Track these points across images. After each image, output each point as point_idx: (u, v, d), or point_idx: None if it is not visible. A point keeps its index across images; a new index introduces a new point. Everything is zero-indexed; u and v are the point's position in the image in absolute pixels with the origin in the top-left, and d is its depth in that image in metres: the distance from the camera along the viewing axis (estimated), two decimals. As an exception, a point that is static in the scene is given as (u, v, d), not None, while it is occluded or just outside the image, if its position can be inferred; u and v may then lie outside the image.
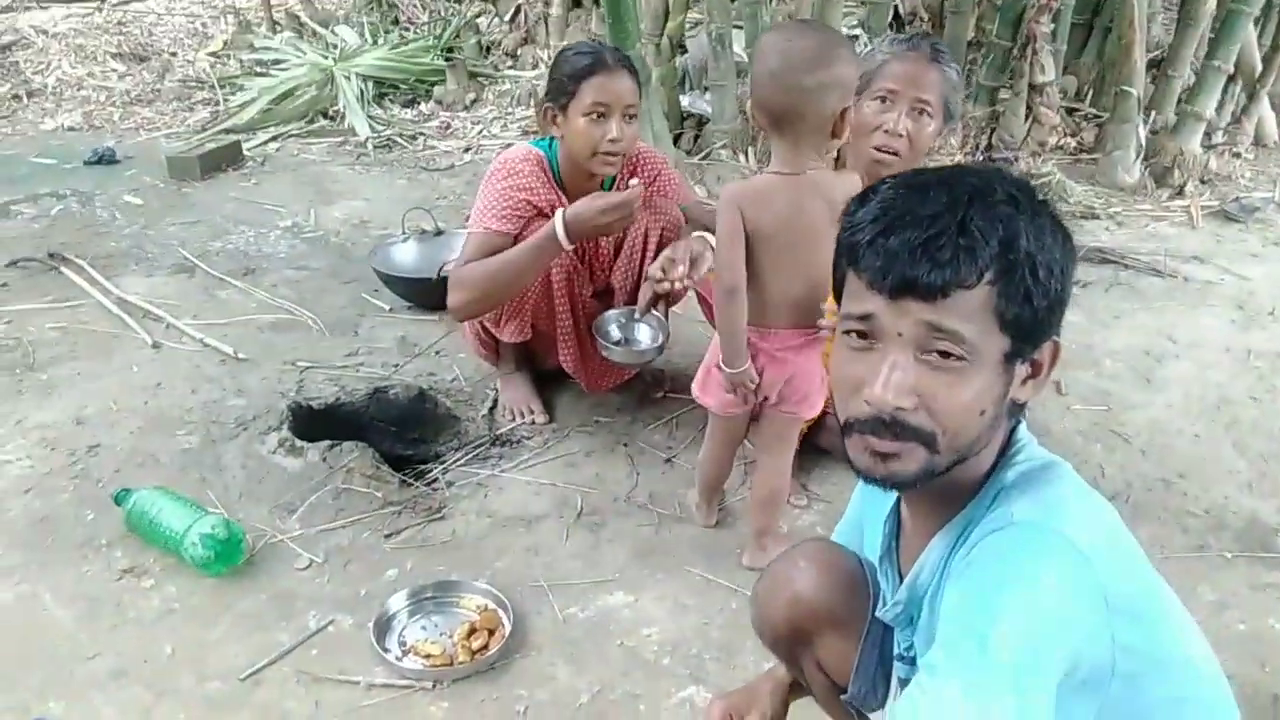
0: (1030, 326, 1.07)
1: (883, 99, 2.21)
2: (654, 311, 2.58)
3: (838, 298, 1.16)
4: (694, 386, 2.24)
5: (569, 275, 2.61)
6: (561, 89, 2.45)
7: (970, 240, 1.03)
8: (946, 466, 1.11)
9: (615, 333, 2.62)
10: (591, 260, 2.71)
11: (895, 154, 2.21)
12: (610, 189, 2.65)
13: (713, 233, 2.20)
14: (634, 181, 2.42)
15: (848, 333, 1.12)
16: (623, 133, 2.44)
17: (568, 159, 2.55)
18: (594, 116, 2.42)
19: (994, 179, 1.10)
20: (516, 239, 2.49)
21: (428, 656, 1.98)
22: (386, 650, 1.99)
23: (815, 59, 1.87)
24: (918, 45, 2.24)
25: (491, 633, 2.03)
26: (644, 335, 2.62)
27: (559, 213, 2.38)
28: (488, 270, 2.46)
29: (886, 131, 2.20)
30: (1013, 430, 1.19)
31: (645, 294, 2.58)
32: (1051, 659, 1.02)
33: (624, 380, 2.86)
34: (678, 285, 2.31)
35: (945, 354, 1.06)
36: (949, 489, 1.16)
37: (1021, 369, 1.11)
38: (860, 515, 1.49)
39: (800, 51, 1.88)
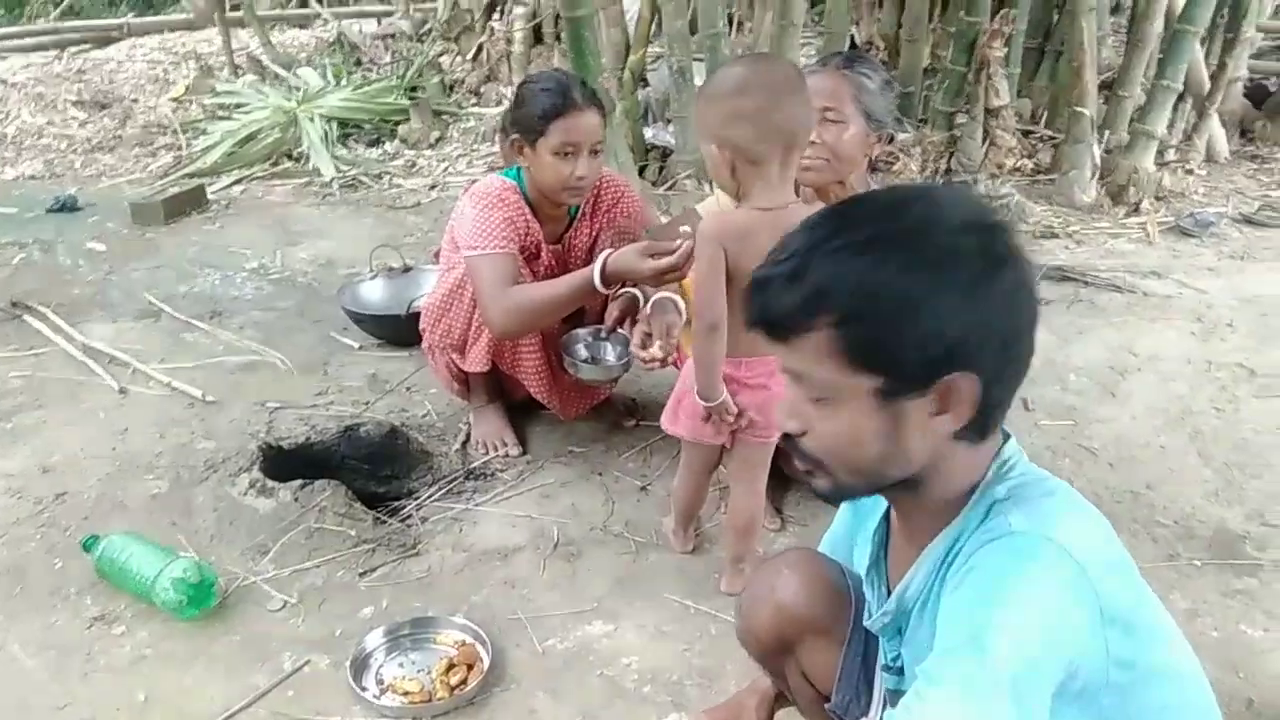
0: (895, 365, 1.07)
1: None
2: (620, 330, 2.61)
3: None
4: (663, 419, 2.25)
5: None
6: (530, 127, 2.48)
7: (801, 287, 1.07)
8: (863, 488, 1.17)
9: (583, 351, 2.65)
10: None
11: (818, 160, 2.31)
12: (576, 216, 2.69)
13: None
14: (684, 229, 2.36)
15: None
16: (589, 168, 2.49)
17: (534, 188, 2.58)
18: (563, 154, 2.45)
19: (861, 218, 1.10)
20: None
21: (406, 694, 1.95)
22: (364, 689, 1.96)
23: (795, 86, 1.89)
24: (828, 61, 2.37)
25: (470, 667, 2.01)
26: (611, 353, 2.65)
27: (600, 258, 2.36)
28: (535, 299, 2.47)
29: None
30: (1004, 444, 1.20)
31: (612, 312, 2.61)
32: (1048, 669, 1.03)
33: (597, 403, 2.86)
34: (660, 359, 2.31)
35: (809, 388, 1.12)
36: (932, 503, 1.18)
37: (920, 404, 1.09)
38: (849, 526, 1.51)
39: (781, 83, 1.87)
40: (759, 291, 1.11)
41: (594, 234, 2.73)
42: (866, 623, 1.36)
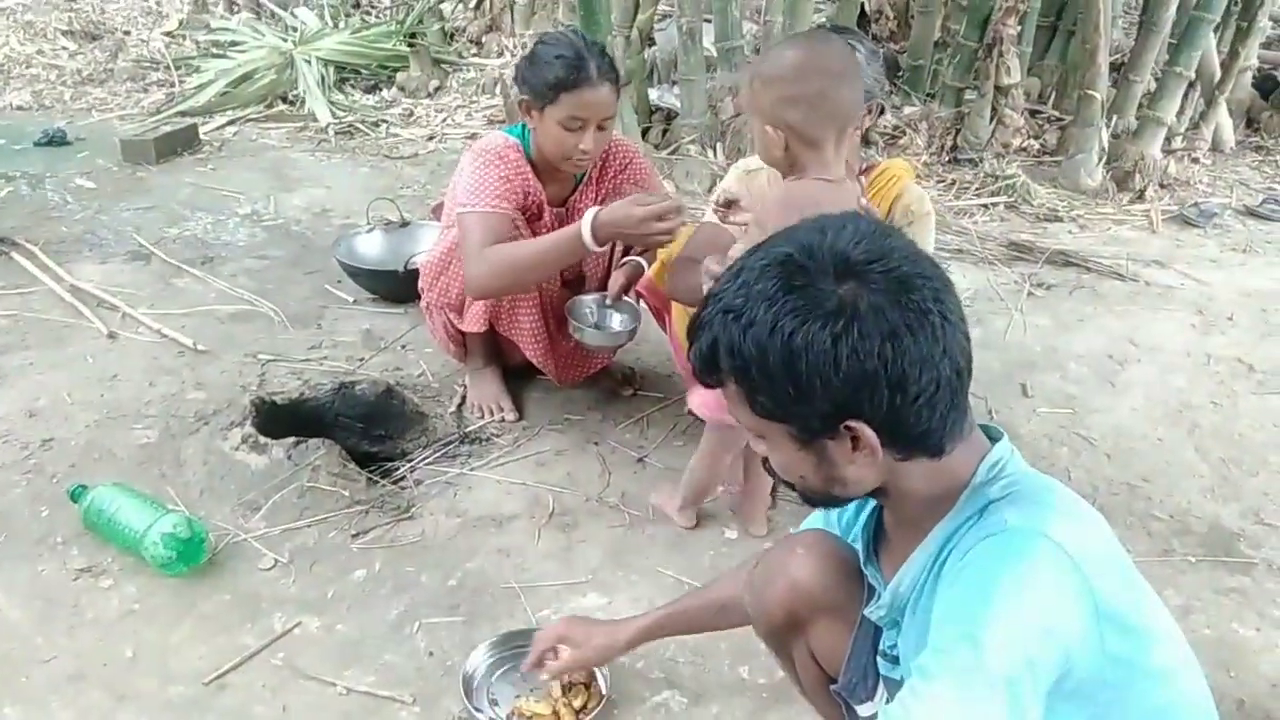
0: (787, 415, 1.13)
1: None
2: (626, 298, 2.58)
3: None
4: (692, 399, 2.22)
5: None
6: (541, 93, 2.41)
7: (702, 345, 1.16)
8: (829, 501, 1.26)
9: (588, 316, 2.61)
10: None
11: None
12: (582, 180, 2.63)
13: None
14: (670, 191, 2.34)
15: None
16: (594, 142, 2.43)
17: (539, 150, 2.53)
18: (570, 127, 2.40)
19: (746, 276, 1.13)
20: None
21: (532, 717, 1.81)
22: (479, 710, 1.82)
23: (850, 69, 1.90)
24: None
25: (587, 687, 1.85)
26: (616, 320, 2.62)
27: (589, 214, 2.29)
28: (516, 257, 2.40)
29: None
30: (996, 444, 1.21)
31: (617, 280, 2.60)
32: (1043, 666, 1.03)
33: (594, 372, 2.83)
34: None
35: None
36: (915, 506, 1.21)
37: (839, 443, 1.14)
38: (826, 520, 1.54)
39: (837, 67, 1.87)
40: (693, 350, 1.19)
41: (600, 199, 2.67)
42: (867, 610, 1.37)
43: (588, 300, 2.64)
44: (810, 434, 1.14)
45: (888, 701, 1.15)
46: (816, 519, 1.56)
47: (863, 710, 1.45)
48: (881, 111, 2.44)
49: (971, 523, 1.16)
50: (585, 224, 2.27)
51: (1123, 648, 1.10)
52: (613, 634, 1.76)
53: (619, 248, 2.65)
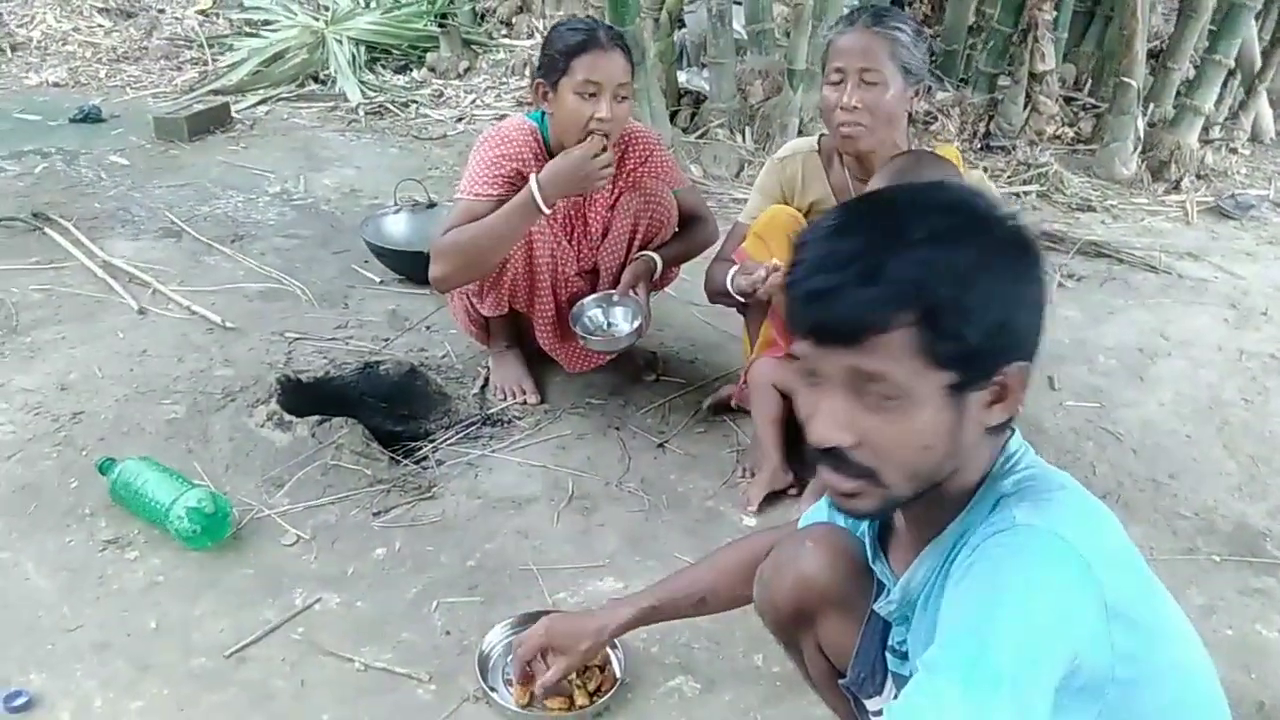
0: (970, 359, 1.06)
1: (835, 80, 2.25)
2: (633, 294, 2.57)
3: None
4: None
5: (553, 254, 2.58)
6: (553, 65, 2.41)
7: (876, 286, 1.03)
8: (912, 494, 1.13)
9: (594, 318, 2.62)
10: (579, 240, 2.68)
11: (859, 126, 2.23)
12: None
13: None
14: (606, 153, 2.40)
15: (797, 368, 1.15)
16: (612, 112, 2.40)
17: (557, 135, 2.51)
18: (585, 95, 2.38)
19: (921, 211, 1.09)
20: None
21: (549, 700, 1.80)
22: (493, 689, 1.83)
23: None
24: (856, 19, 2.27)
25: (601, 670, 1.86)
26: (621, 319, 2.62)
27: (533, 177, 2.35)
28: (466, 237, 2.43)
29: (842, 108, 2.23)
30: (1009, 438, 1.20)
31: (627, 277, 2.59)
32: (1050, 663, 1.02)
33: (606, 361, 2.81)
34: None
35: (876, 393, 1.07)
36: (938, 500, 1.18)
37: (981, 396, 1.10)
38: (833, 506, 1.50)
39: None
40: (816, 299, 1.07)
41: (618, 191, 2.65)
42: (876, 605, 1.36)
43: (590, 302, 2.64)
44: (971, 380, 1.07)
45: (895, 697, 1.15)
46: (816, 513, 1.55)
47: (871, 705, 1.44)
48: (929, 91, 2.41)
49: (984, 518, 1.15)
50: (531, 185, 2.34)
51: (1132, 645, 1.09)
52: (598, 631, 1.72)
53: (637, 242, 2.65)
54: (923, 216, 1.07)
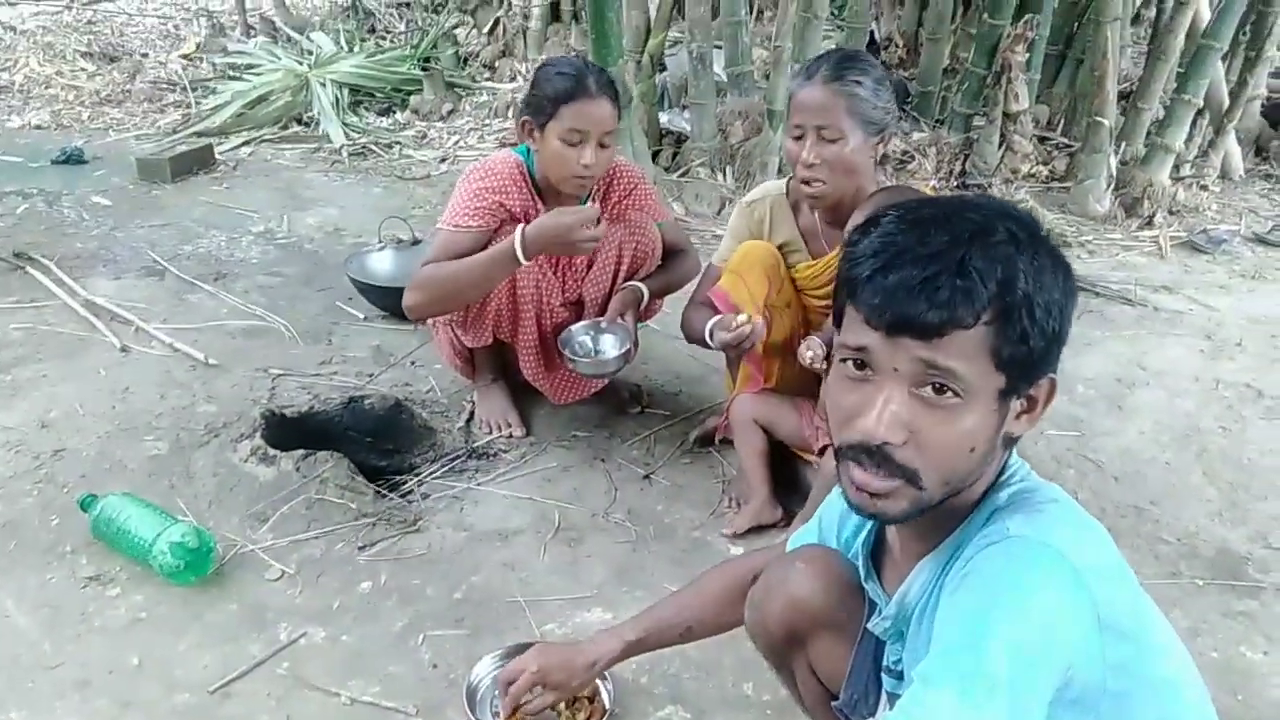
0: (1026, 365, 1.08)
1: (795, 135, 2.24)
2: (621, 321, 2.58)
3: (837, 325, 1.17)
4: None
5: (538, 285, 2.60)
6: (541, 108, 2.43)
7: (969, 281, 1.04)
8: (939, 500, 1.13)
9: (583, 344, 2.63)
10: (564, 271, 2.70)
11: (819, 181, 2.23)
12: (585, 201, 2.65)
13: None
14: (593, 207, 2.41)
15: (845, 360, 1.13)
16: (596, 159, 2.44)
17: (544, 171, 2.54)
18: (570, 141, 2.41)
19: (996, 216, 1.10)
20: (488, 241, 2.48)
21: None
22: None
23: None
24: (815, 71, 2.23)
25: (591, 700, 1.85)
26: (609, 345, 2.63)
27: (519, 228, 2.37)
28: (445, 274, 2.46)
29: (803, 164, 2.23)
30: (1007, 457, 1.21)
31: (615, 305, 2.61)
32: (1045, 674, 1.03)
33: (591, 393, 2.83)
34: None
35: (939, 390, 1.07)
36: (940, 515, 1.18)
37: (1016, 404, 1.12)
38: (824, 528, 1.52)
39: None
40: (903, 291, 1.05)
41: (603, 224, 2.67)
42: (870, 624, 1.36)
43: (578, 329, 2.64)
44: (1017, 387, 1.09)
45: (890, 711, 1.15)
46: (805, 534, 1.55)
47: (864, 727, 1.44)
48: (895, 136, 2.44)
49: (978, 529, 1.16)
50: (516, 238, 2.35)
51: (1124, 657, 1.10)
52: (590, 667, 1.69)
53: (620, 279, 2.67)
54: (999, 219, 1.09)
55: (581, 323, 2.66)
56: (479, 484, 2.53)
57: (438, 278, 2.46)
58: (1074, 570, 1.07)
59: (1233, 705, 1.93)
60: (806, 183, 2.25)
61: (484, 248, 2.45)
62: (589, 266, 2.69)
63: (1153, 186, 4.50)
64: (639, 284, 2.66)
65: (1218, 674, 1.98)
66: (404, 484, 2.52)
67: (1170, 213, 4.50)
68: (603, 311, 2.67)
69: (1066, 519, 1.16)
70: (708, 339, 2.33)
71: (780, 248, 2.44)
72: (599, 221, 2.36)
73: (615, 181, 2.67)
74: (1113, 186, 4.56)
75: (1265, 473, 2.70)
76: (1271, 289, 3.92)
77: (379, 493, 2.46)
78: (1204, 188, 4.78)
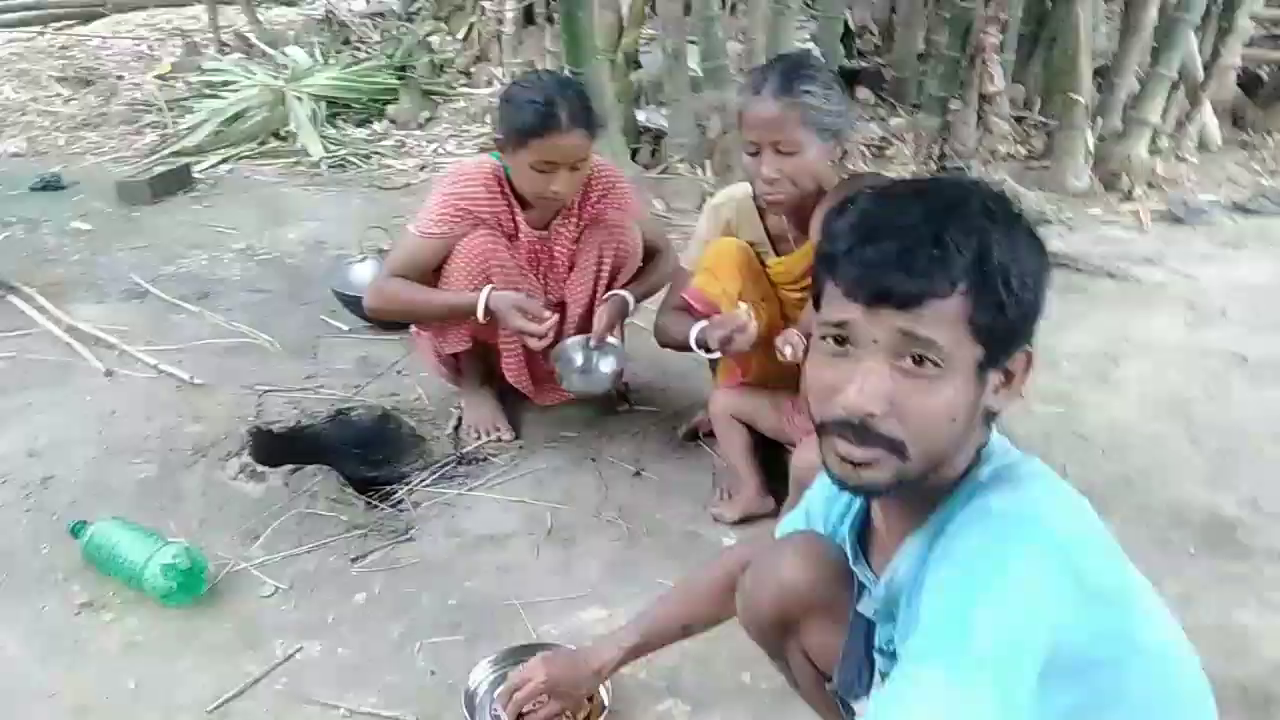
0: (1003, 335, 1.11)
1: (751, 152, 2.19)
2: (610, 339, 2.58)
3: (816, 306, 1.18)
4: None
5: (518, 287, 2.59)
6: (509, 137, 2.43)
7: (945, 251, 1.06)
8: (920, 473, 1.14)
9: (574, 361, 2.63)
10: (546, 274, 2.70)
11: (780, 195, 2.19)
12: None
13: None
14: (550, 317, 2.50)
15: (824, 338, 1.15)
16: (566, 184, 2.44)
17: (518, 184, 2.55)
18: (540, 170, 2.42)
19: (970, 192, 1.13)
20: (453, 245, 2.53)
21: None
22: None
23: None
24: (762, 84, 2.15)
25: (590, 698, 1.84)
26: (603, 364, 2.63)
27: (488, 289, 2.48)
28: (407, 297, 2.59)
29: (763, 179, 2.18)
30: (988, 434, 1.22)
31: (600, 319, 2.59)
32: (1032, 646, 1.03)
33: (573, 394, 2.82)
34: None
35: (919, 360, 1.09)
36: (923, 492, 1.18)
37: (994, 377, 1.14)
38: (811, 513, 1.52)
39: None
40: (881, 263, 1.08)
41: (581, 225, 2.66)
42: (860, 606, 1.37)
43: (571, 344, 2.64)
44: (995, 359, 1.12)
45: (883, 694, 1.15)
46: (792, 521, 1.56)
47: (859, 707, 1.44)
48: (850, 137, 2.37)
49: (961, 505, 1.17)
50: (481, 299, 2.48)
51: (1111, 625, 1.11)
52: (596, 675, 1.71)
53: (602, 281, 2.67)
54: (973, 196, 1.12)
55: (574, 338, 2.65)
56: (470, 490, 2.53)
57: (400, 299, 2.60)
58: (1056, 541, 1.08)
59: (1228, 667, 1.93)
60: (769, 197, 2.22)
61: (448, 252, 2.51)
62: (570, 269, 2.69)
63: (1131, 161, 4.52)
64: (625, 293, 2.65)
65: (1212, 638, 1.97)
66: (395, 494, 2.52)
67: (1149, 186, 4.53)
68: (588, 314, 2.67)
69: (1047, 491, 1.17)
70: (692, 345, 2.29)
71: None
72: (548, 333, 2.49)
73: (593, 181, 2.65)
74: (1091, 162, 4.58)
75: (1252, 438, 2.72)
76: (1252, 256, 3.95)
77: (370, 503, 2.46)
78: (1182, 159, 4.79)
